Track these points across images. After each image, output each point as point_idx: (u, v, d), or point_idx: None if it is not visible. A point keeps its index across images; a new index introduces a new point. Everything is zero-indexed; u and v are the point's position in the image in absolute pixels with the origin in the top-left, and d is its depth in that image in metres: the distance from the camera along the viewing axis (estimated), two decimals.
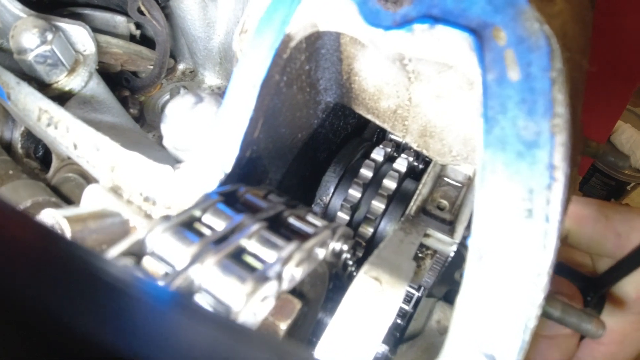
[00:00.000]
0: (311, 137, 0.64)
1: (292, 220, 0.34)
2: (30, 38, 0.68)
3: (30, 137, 0.80)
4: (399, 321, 0.70)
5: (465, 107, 0.47)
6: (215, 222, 0.31)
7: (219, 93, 0.65)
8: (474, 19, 0.32)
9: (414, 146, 0.60)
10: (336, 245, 0.36)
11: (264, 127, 0.43)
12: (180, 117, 0.44)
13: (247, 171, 0.44)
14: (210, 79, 0.96)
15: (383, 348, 0.63)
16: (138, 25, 0.93)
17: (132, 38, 0.93)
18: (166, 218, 0.29)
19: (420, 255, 0.62)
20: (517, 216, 0.30)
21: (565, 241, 0.63)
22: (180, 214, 0.30)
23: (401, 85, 0.49)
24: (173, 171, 0.43)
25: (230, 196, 0.35)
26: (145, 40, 0.96)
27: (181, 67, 1.00)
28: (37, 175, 0.75)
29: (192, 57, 0.96)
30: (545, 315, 0.49)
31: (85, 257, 0.17)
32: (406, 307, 0.71)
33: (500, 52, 0.32)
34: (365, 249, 0.66)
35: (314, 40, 0.45)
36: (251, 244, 0.30)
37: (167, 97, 0.94)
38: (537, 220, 0.30)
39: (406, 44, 0.35)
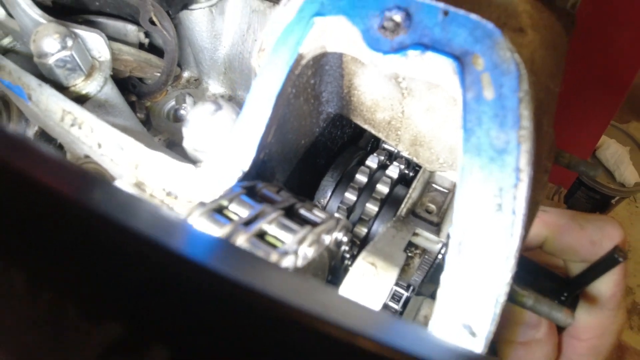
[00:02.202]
0: (312, 144, 0.71)
1: (302, 211, 0.41)
2: (51, 43, 0.74)
3: (43, 136, 0.86)
4: None
5: (451, 120, 0.55)
6: (240, 210, 0.38)
7: (236, 102, 0.72)
8: (457, 47, 0.40)
9: (406, 154, 0.68)
10: (339, 235, 0.43)
11: (276, 133, 0.50)
12: (201, 122, 0.51)
13: (259, 172, 0.51)
14: (215, 87, 1.03)
15: None
16: (146, 34, 1.00)
17: (140, 46, 1.00)
18: (202, 204, 0.36)
19: (409, 254, 0.69)
20: (490, 209, 0.38)
21: (541, 248, 0.70)
22: (212, 202, 0.37)
23: (395, 99, 0.57)
24: (194, 169, 0.50)
25: (250, 190, 0.42)
26: (152, 48, 1.03)
27: (186, 75, 1.07)
28: None
29: (198, 66, 1.03)
30: (520, 305, 0.56)
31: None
32: (395, 307, 0.77)
33: (478, 75, 0.39)
34: (359, 247, 0.73)
35: (320, 58, 0.53)
36: (271, 228, 0.37)
37: (173, 103, 1.01)
38: (506, 213, 0.37)
39: (401, 65, 0.43)
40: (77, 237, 0.16)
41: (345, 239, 0.46)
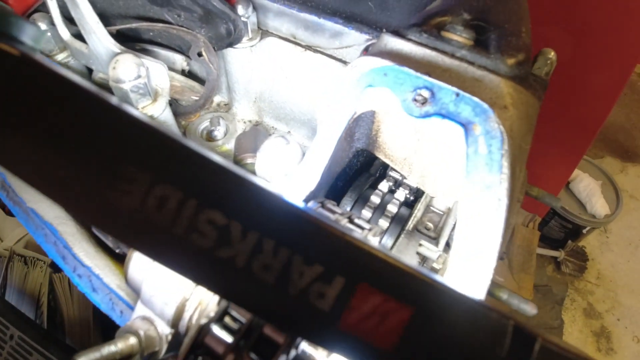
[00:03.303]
0: (340, 171, 0.96)
1: (356, 220, 0.66)
2: (129, 71, 0.97)
3: None
4: None
5: (450, 162, 0.81)
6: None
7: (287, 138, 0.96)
8: (464, 118, 0.66)
9: (414, 183, 0.94)
10: (376, 238, 0.68)
11: (328, 164, 0.75)
12: (274, 152, 0.75)
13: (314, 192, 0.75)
14: (243, 113, 1.27)
15: None
16: (187, 62, 1.23)
17: (181, 72, 1.23)
18: None
19: None
20: (481, 222, 0.63)
21: None
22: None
23: (412, 143, 0.83)
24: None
25: (322, 204, 0.66)
26: (190, 74, 1.26)
27: (217, 99, 1.31)
28: None
29: (230, 93, 1.27)
30: (497, 298, 0.82)
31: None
32: None
33: (476, 138, 0.66)
34: None
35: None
36: None
37: (207, 124, 1.24)
38: (491, 225, 0.63)
39: (426, 126, 0.68)
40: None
41: (378, 243, 0.71)
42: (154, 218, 0.40)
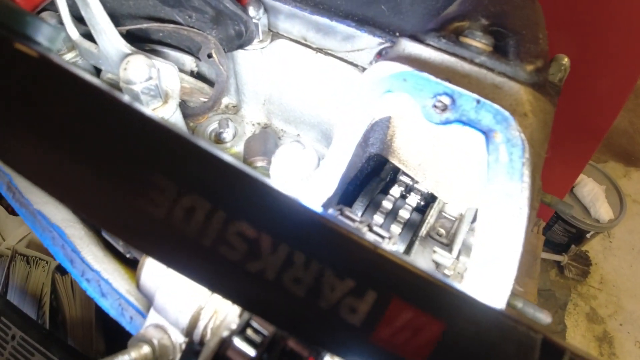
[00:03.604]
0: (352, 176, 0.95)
1: (376, 228, 0.65)
2: (140, 72, 0.96)
3: None
4: None
5: (467, 168, 0.81)
6: None
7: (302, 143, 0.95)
8: (485, 125, 0.66)
9: (428, 188, 0.93)
10: (395, 246, 0.67)
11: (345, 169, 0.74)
12: (290, 157, 0.74)
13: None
14: (252, 115, 1.27)
15: None
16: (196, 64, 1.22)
17: (190, 73, 1.22)
18: None
19: None
20: (502, 230, 0.63)
21: None
22: None
23: (428, 148, 0.82)
24: None
25: (341, 211, 0.65)
26: (198, 75, 1.25)
27: (225, 101, 1.30)
28: None
29: (239, 95, 1.26)
30: (512, 306, 0.81)
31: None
32: None
33: (497, 146, 0.65)
34: None
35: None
36: None
37: (215, 125, 1.23)
38: (512, 231, 0.63)
39: (446, 132, 0.68)
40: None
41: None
42: (181, 229, 0.39)
